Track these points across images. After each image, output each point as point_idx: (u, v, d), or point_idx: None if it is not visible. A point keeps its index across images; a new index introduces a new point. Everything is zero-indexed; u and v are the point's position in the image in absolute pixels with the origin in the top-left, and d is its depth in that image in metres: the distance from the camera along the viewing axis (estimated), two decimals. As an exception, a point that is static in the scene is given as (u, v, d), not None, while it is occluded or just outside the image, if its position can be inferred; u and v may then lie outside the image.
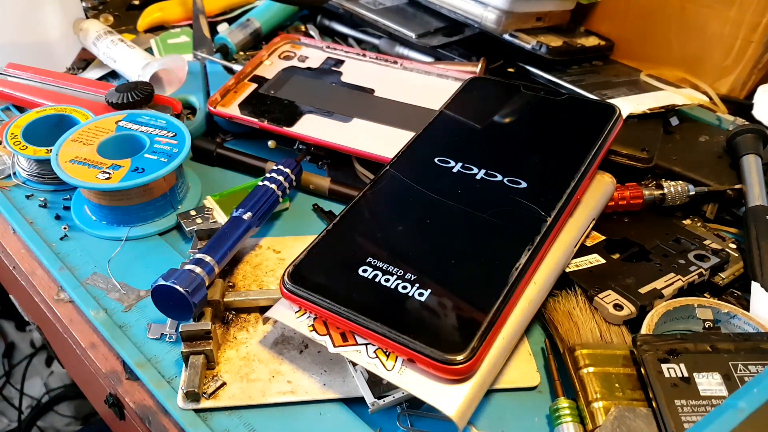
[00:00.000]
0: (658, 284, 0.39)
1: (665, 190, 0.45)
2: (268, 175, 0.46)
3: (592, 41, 0.62)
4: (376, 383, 0.34)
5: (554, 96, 0.47)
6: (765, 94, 0.54)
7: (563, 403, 0.33)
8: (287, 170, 0.46)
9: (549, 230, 0.36)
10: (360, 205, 0.40)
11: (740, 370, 0.31)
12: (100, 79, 0.63)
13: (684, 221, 0.45)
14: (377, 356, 0.33)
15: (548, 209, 0.37)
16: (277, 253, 0.44)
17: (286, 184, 0.46)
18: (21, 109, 0.57)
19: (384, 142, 0.48)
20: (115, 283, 0.42)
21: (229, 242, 0.40)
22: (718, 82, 0.58)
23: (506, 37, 0.58)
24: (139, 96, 0.52)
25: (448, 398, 0.31)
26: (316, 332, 0.34)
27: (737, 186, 0.46)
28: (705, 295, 0.41)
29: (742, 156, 0.48)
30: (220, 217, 0.45)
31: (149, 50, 0.67)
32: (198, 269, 0.37)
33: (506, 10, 0.55)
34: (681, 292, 0.39)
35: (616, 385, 0.33)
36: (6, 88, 0.57)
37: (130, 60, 0.60)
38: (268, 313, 0.36)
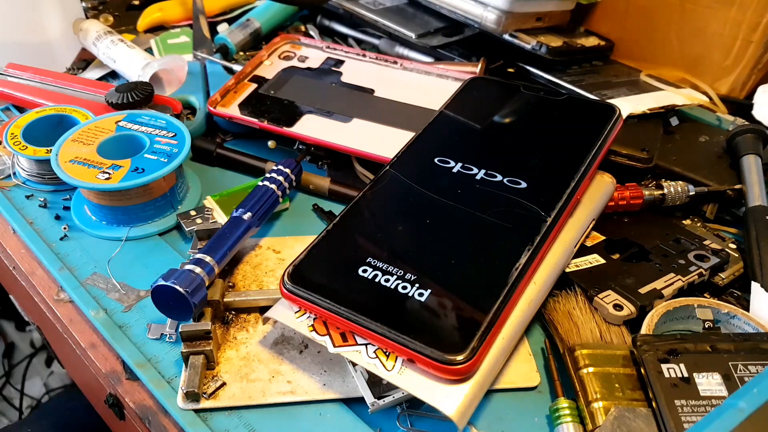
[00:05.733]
0: (658, 284, 0.39)
1: (665, 191, 0.45)
2: (268, 175, 0.46)
3: (592, 41, 0.62)
4: (376, 383, 0.34)
5: (554, 96, 0.47)
6: (765, 94, 0.54)
7: (563, 403, 0.33)
8: (287, 170, 0.46)
9: (549, 230, 0.36)
10: (360, 205, 0.40)
11: (740, 371, 0.31)
12: (100, 79, 0.63)
13: (684, 221, 0.45)
14: (377, 356, 0.33)
15: (548, 209, 0.37)
16: (277, 253, 0.44)
17: (286, 184, 0.46)
18: (21, 109, 0.57)
19: (384, 142, 0.48)
20: (115, 283, 0.42)
21: (229, 242, 0.40)
22: (718, 82, 0.58)
23: (506, 37, 0.58)
24: (139, 96, 0.52)
25: (448, 398, 0.31)
26: (316, 332, 0.34)
27: (737, 186, 0.46)
28: (705, 295, 0.41)
29: (742, 156, 0.48)
30: (220, 217, 0.45)
31: (149, 50, 0.67)
32: (198, 269, 0.37)
33: (506, 11, 0.55)
34: (681, 292, 0.39)
35: (616, 385, 0.33)
36: (6, 88, 0.57)
37: (130, 60, 0.60)
38: (268, 313, 0.36)
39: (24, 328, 1.11)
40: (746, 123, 0.53)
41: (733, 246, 0.43)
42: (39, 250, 0.44)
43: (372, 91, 0.56)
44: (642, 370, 0.32)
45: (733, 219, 0.47)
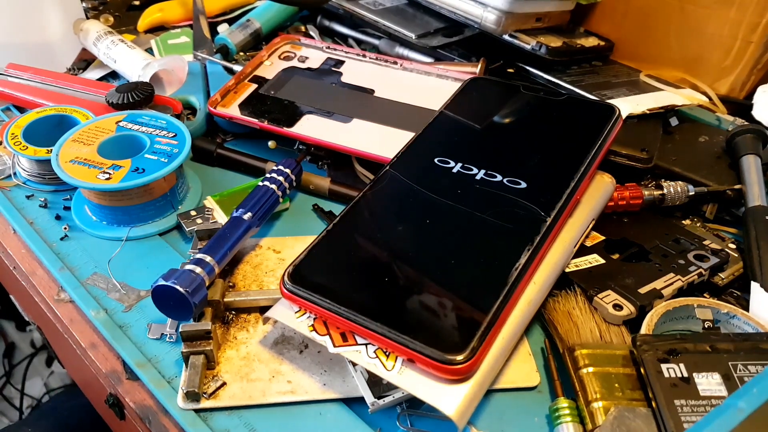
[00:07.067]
0: (657, 284, 0.39)
1: (665, 191, 0.45)
2: (268, 175, 0.46)
3: (591, 41, 0.62)
4: (376, 383, 0.34)
5: (554, 96, 0.47)
6: (764, 94, 0.54)
7: (563, 403, 0.33)
8: (287, 170, 0.46)
9: (549, 230, 0.36)
10: (360, 206, 0.40)
11: (740, 370, 0.32)
12: (101, 79, 0.63)
13: (683, 221, 0.45)
14: (377, 356, 0.33)
15: (548, 209, 0.37)
16: (277, 253, 0.44)
17: (286, 185, 0.46)
18: (21, 110, 0.57)
19: (384, 142, 0.48)
20: (116, 283, 0.42)
21: (229, 242, 0.40)
22: (717, 83, 0.58)
23: (506, 37, 0.58)
24: (140, 96, 0.52)
25: (448, 398, 0.31)
26: (316, 332, 0.34)
27: (737, 186, 0.46)
28: (704, 295, 0.41)
29: (742, 156, 0.48)
30: (220, 218, 0.45)
31: (149, 51, 0.67)
32: (198, 269, 0.37)
33: (506, 11, 0.55)
34: (680, 292, 0.39)
35: (616, 385, 0.33)
36: (6, 89, 0.57)
37: (130, 60, 0.60)
38: (268, 313, 0.36)
39: (24, 328, 1.11)
40: (746, 123, 0.53)
41: (733, 246, 0.43)
42: (39, 250, 0.44)
43: (372, 91, 0.56)
44: (642, 370, 0.32)
45: (733, 219, 0.47)
